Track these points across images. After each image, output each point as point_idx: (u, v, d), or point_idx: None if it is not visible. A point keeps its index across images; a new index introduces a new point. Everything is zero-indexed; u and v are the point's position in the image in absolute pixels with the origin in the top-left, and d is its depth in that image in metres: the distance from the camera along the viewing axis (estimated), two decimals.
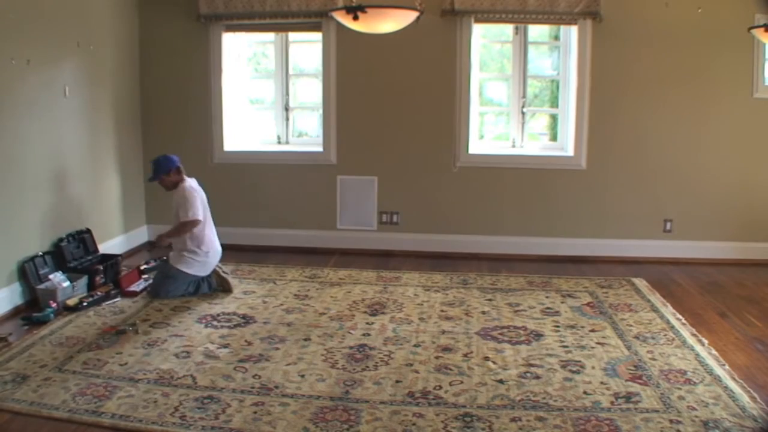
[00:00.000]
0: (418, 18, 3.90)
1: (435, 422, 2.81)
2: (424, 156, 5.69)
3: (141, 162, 5.90)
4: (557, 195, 5.64)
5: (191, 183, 4.65)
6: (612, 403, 2.98)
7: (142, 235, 5.97)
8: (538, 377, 3.25)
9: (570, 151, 5.62)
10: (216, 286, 4.63)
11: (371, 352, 3.56)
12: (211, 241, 4.63)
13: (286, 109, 6.08)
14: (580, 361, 3.44)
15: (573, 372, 3.31)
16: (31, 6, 4.32)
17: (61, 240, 4.64)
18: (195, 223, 4.47)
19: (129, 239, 5.74)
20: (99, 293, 4.40)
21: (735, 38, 5.17)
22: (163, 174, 4.57)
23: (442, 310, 4.26)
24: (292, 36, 5.99)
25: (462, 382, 3.19)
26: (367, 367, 3.37)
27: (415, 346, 3.65)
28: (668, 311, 4.24)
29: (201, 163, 5.85)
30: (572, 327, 3.96)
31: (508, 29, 5.81)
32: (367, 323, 4.01)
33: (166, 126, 5.88)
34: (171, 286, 4.47)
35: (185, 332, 3.83)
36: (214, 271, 4.64)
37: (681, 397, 3.02)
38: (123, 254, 5.23)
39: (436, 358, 3.49)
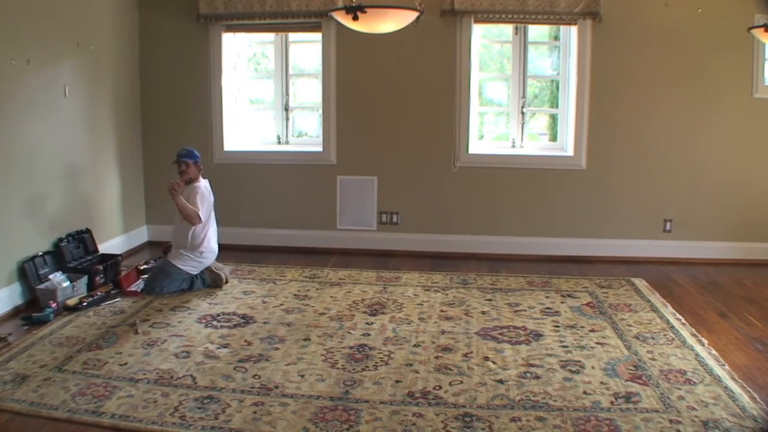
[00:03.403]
0: (418, 18, 3.90)
1: (435, 422, 2.81)
2: (424, 156, 5.69)
3: (141, 162, 5.91)
4: (557, 195, 5.64)
5: (206, 185, 4.79)
6: (612, 403, 2.98)
7: (142, 235, 5.97)
8: (537, 377, 3.25)
9: (570, 151, 5.63)
10: (210, 282, 4.70)
11: (371, 352, 3.56)
12: (209, 242, 4.74)
13: (286, 109, 6.08)
14: (579, 361, 3.44)
15: (573, 372, 3.31)
16: (31, 6, 4.33)
17: (61, 240, 4.64)
18: (198, 221, 4.60)
19: (129, 239, 5.74)
20: (99, 293, 4.41)
21: (735, 38, 5.17)
22: (197, 160, 4.74)
23: (441, 310, 4.26)
24: (292, 36, 5.99)
25: (462, 382, 3.19)
26: (367, 367, 3.37)
27: (415, 346, 3.65)
28: (668, 311, 4.24)
29: (201, 163, 5.85)
30: (572, 327, 3.96)
31: (507, 29, 5.81)
32: (367, 323, 4.01)
33: (166, 126, 5.88)
34: (165, 281, 4.54)
35: (185, 332, 3.83)
36: (208, 267, 4.74)
37: (681, 397, 3.02)
38: (123, 254, 5.23)
39: (436, 358, 3.49)
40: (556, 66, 5.90)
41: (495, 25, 5.77)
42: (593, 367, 3.36)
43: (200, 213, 4.58)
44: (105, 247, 5.19)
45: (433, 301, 4.45)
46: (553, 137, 5.98)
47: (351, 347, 3.62)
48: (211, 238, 4.76)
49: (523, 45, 5.78)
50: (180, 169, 4.69)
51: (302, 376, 3.26)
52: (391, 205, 5.81)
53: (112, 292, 4.49)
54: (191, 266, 4.62)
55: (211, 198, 4.78)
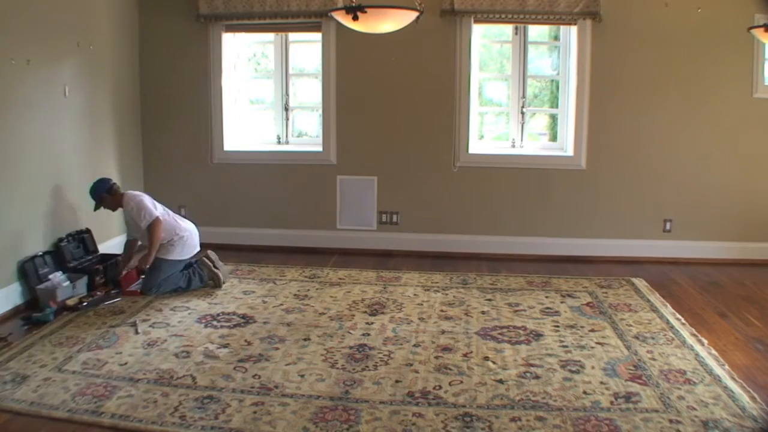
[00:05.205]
0: (417, 18, 3.90)
1: (435, 422, 2.81)
2: (424, 156, 5.69)
3: (141, 162, 5.91)
4: (557, 195, 5.64)
5: (132, 192, 4.68)
6: (612, 402, 2.98)
7: None
8: (537, 377, 3.25)
9: (569, 151, 5.63)
10: (207, 279, 4.68)
11: (371, 352, 3.56)
12: (179, 225, 4.66)
13: (286, 109, 6.09)
14: (579, 361, 3.44)
15: (573, 372, 3.31)
16: (31, 6, 4.33)
17: (61, 240, 4.64)
18: (157, 222, 4.49)
19: None
20: (99, 293, 4.41)
21: (735, 38, 5.17)
22: (103, 193, 4.57)
23: (441, 310, 4.26)
24: (292, 36, 6.00)
25: (462, 382, 3.20)
26: (367, 367, 3.37)
27: (414, 346, 3.65)
28: (668, 311, 4.24)
29: (201, 163, 5.86)
30: (572, 327, 3.96)
31: (507, 29, 5.81)
32: (367, 323, 4.01)
33: (166, 126, 5.88)
34: (159, 278, 4.52)
35: (185, 332, 3.84)
36: (206, 265, 4.70)
37: (681, 397, 3.02)
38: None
39: (436, 358, 3.49)
40: (556, 66, 5.90)
41: (495, 25, 5.77)
42: (593, 367, 3.36)
43: (147, 218, 4.44)
44: (105, 247, 5.19)
45: (433, 301, 4.45)
46: (553, 137, 5.98)
47: (351, 347, 3.62)
48: (178, 221, 4.68)
49: (523, 45, 5.79)
50: (107, 206, 4.63)
51: (302, 376, 3.26)
52: (391, 205, 5.81)
53: (112, 292, 4.49)
54: (178, 252, 4.58)
55: (143, 199, 4.58)
